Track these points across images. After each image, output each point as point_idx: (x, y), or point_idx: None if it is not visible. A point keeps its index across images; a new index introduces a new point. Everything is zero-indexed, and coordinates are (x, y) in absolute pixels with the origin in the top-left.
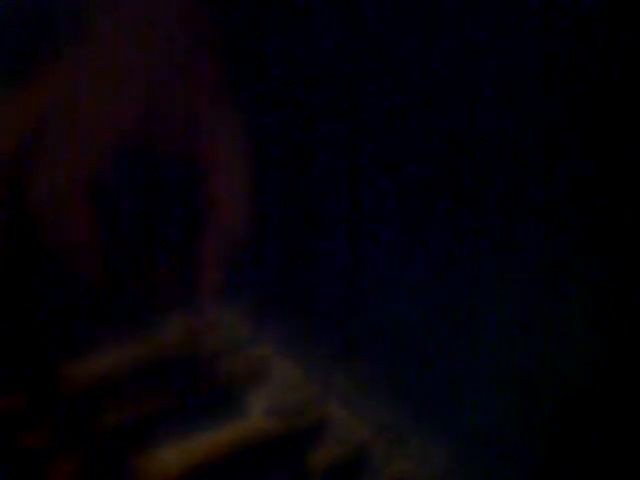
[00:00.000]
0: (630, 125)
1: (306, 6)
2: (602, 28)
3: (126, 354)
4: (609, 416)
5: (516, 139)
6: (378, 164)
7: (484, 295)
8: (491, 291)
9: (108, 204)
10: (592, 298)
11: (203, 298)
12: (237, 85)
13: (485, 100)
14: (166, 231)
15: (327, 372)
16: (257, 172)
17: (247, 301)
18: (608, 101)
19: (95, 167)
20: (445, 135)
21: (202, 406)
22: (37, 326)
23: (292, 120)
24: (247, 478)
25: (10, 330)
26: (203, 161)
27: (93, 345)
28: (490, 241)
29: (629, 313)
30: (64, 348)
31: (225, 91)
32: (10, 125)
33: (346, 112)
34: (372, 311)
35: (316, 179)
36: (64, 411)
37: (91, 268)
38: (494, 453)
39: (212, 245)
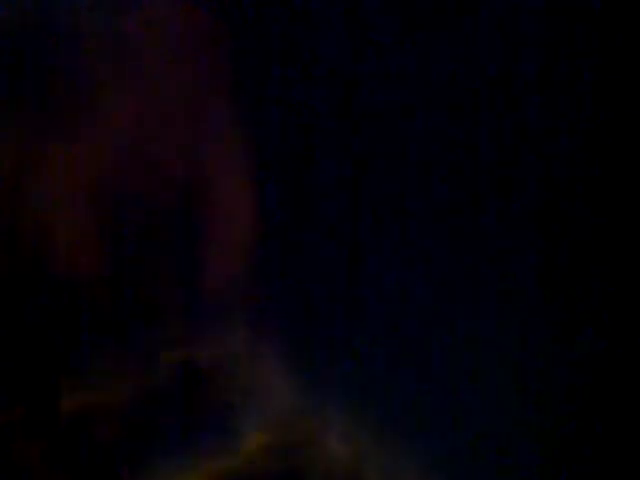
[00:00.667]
0: (631, 126)
1: (308, 7)
2: (602, 28)
3: (125, 368)
4: (609, 417)
5: (516, 141)
6: (378, 165)
7: (484, 297)
8: (491, 293)
9: (109, 216)
10: (592, 299)
11: (204, 311)
12: (238, 88)
13: (485, 102)
14: (167, 240)
15: (325, 383)
16: (258, 175)
17: (247, 315)
18: (608, 102)
19: (96, 178)
20: (445, 137)
21: (200, 423)
22: (37, 340)
23: (293, 122)
24: None
25: (9, 344)
26: (206, 170)
27: (93, 359)
28: (490, 244)
29: (629, 314)
30: (64, 363)
31: (227, 95)
32: (11, 135)
33: (347, 113)
34: (372, 320)
35: (316, 182)
36: (62, 430)
37: (92, 280)
38: (493, 465)
39: (214, 255)
